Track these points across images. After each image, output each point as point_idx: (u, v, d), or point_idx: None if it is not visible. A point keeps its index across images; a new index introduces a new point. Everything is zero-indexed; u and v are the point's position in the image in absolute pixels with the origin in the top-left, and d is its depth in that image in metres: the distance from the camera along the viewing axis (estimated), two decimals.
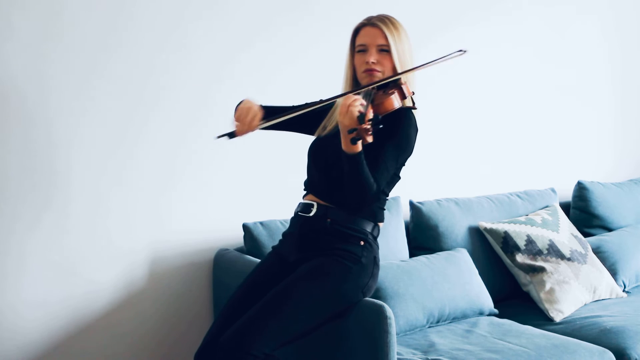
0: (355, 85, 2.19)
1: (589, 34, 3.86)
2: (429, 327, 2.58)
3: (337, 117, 2.04)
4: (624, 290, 3.12)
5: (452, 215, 3.00)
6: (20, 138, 2.35)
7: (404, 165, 2.17)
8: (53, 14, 2.36)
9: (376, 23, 2.13)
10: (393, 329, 2.04)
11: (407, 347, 2.40)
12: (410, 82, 2.15)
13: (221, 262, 2.63)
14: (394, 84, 2.12)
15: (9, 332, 2.38)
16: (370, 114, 1.86)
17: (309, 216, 2.14)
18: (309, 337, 2.11)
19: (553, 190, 3.44)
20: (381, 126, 1.86)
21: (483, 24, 3.40)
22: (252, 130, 2.13)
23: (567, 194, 3.63)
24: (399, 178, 2.20)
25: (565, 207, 3.50)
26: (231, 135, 2.14)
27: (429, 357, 2.30)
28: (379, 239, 2.21)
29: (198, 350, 2.08)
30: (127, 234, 2.56)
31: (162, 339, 2.65)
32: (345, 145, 1.93)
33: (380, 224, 2.19)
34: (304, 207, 2.17)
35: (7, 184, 2.34)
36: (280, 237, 2.28)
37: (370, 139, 1.86)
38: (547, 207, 3.30)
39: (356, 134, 1.85)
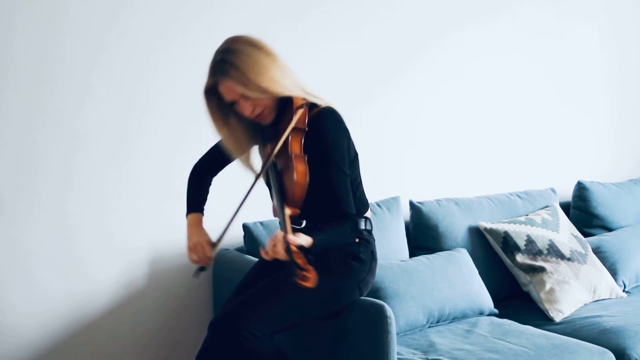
0: (250, 138, 2.06)
1: (587, 35, 3.86)
2: (429, 327, 2.58)
3: None
4: (624, 290, 3.12)
5: (452, 215, 3.00)
6: (20, 136, 2.35)
7: (356, 160, 2.07)
8: (53, 13, 2.36)
9: (220, 79, 1.92)
10: (393, 329, 2.04)
11: (407, 347, 2.40)
12: (295, 89, 1.94)
13: (221, 261, 2.63)
14: (287, 124, 1.89)
15: (10, 330, 2.38)
16: (294, 249, 1.67)
17: (301, 228, 2.12)
18: (309, 336, 2.11)
19: (553, 190, 3.44)
20: (312, 257, 1.72)
21: (484, 28, 3.41)
22: (212, 255, 2.07)
23: (567, 194, 3.63)
24: (359, 174, 2.11)
25: (565, 207, 3.50)
26: (202, 269, 2.09)
27: (429, 357, 2.30)
28: (376, 237, 2.20)
29: (199, 352, 2.07)
30: (127, 233, 2.56)
31: (162, 338, 2.65)
32: None
33: (367, 214, 2.13)
34: (294, 220, 2.11)
35: (7, 183, 2.34)
36: None
37: (312, 277, 1.68)
38: (547, 207, 3.30)
39: (298, 278, 1.67)
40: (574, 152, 3.84)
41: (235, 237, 2.71)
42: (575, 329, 2.67)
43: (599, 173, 3.92)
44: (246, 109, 1.96)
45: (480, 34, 3.40)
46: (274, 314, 1.96)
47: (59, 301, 2.46)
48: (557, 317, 2.78)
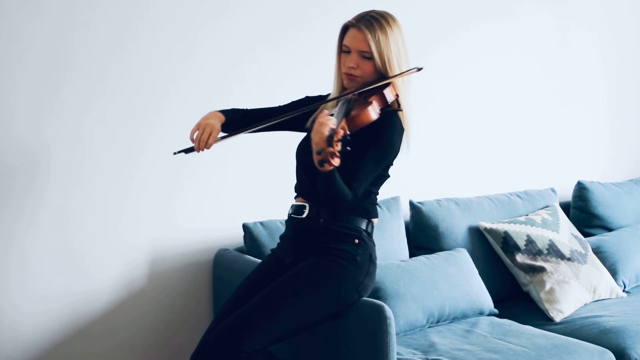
0: (339, 84, 2.16)
1: (586, 36, 3.86)
2: (429, 327, 2.58)
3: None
4: (624, 290, 3.12)
5: (452, 215, 3.00)
6: (24, 136, 2.35)
7: (391, 165, 2.15)
8: (63, 20, 2.36)
9: (361, 27, 2.04)
10: (393, 329, 2.04)
11: (407, 347, 2.40)
12: (399, 84, 2.08)
13: (221, 262, 2.63)
14: (376, 90, 2.05)
15: (10, 330, 2.38)
16: (340, 134, 1.77)
17: (302, 218, 2.13)
18: (309, 337, 2.11)
19: (553, 190, 3.44)
20: (349, 149, 1.79)
21: (484, 30, 3.41)
22: (209, 147, 2.14)
23: (567, 194, 3.63)
24: (388, 177, 2.17)
25: (565, 207, 3.50)
26: (188, 151, 2.16)
27: (429, 357, 2.30)
28: (376, 237, 2.20)
29: (194, 351, 2.08)
30: (127, 234, 2.56)
31: (162, 339, 2.65)
32: (315, 163, 1.83)
33: (375, 220, 2.16)
34: (297, 209, 2.16)
35: (8, 181, 2.34)
36: (279, 239, 2.28)
37: (336, 163, 1.77)
38: (547, 207, 3.30)
39: (323, 156, 1.76)
40: (573, 152, 3.84)
41: (235, 237, 2.72)
42: (575, 329, 2.67)
43: (599, 173, 3.92)
44: (351, 62, 2.07)
45: (480, 35, 3.40)
46: (275, 326, 1.97)
47: (58, 301, 2.46)
48: (557, 317, 2.78)
